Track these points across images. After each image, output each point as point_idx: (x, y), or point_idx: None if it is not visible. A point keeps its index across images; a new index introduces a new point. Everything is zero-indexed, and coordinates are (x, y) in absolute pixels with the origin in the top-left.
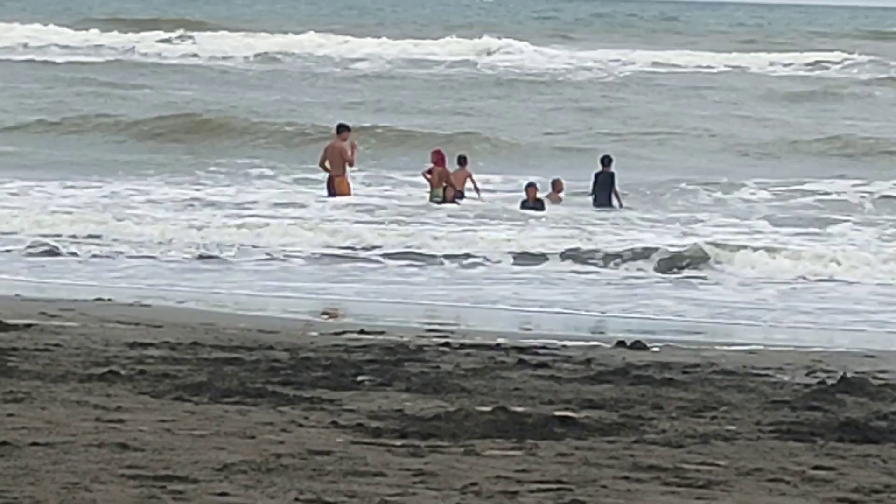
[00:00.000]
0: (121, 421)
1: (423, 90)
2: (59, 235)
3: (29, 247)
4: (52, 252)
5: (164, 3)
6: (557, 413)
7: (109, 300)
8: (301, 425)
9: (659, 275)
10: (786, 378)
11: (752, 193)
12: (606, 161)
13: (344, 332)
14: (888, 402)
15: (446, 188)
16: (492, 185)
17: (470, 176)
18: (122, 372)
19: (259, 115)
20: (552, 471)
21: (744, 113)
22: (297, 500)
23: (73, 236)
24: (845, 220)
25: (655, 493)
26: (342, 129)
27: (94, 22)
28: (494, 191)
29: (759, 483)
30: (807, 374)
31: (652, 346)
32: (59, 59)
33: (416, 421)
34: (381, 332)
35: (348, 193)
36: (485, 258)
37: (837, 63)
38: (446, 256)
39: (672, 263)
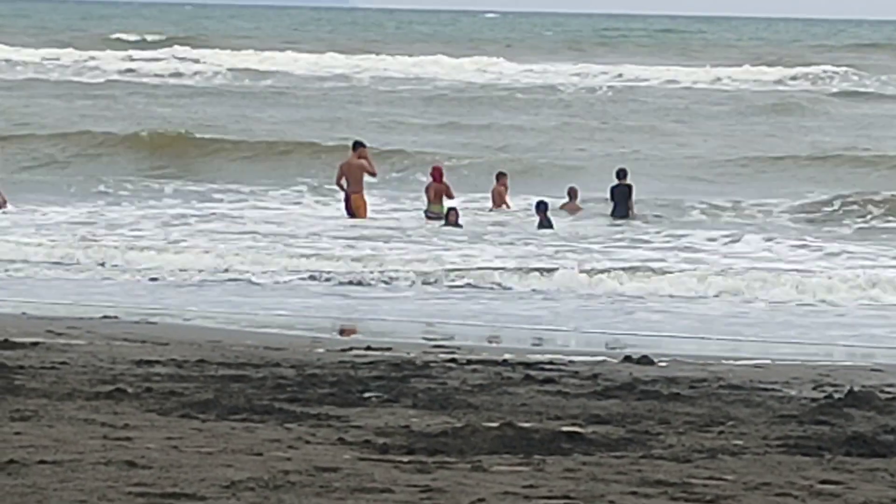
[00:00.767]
0: (128, 439)
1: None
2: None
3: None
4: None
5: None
6: (565, 428)
7: (116, 318)
8: (308, 442)
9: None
10: (793, 392)
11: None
12: (622, 174)
13: (350, 349)
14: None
15: (449, 212)
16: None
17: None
18: (129, 390)
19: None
20: (560, 486)
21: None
22: None
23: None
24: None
25: None
26: (358, 145)
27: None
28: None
29: (766, 498)
30: (814, 389)
31: (659, 361)
32: None
33: (423, 437)
34: (388, 349)
35: (365, 209)
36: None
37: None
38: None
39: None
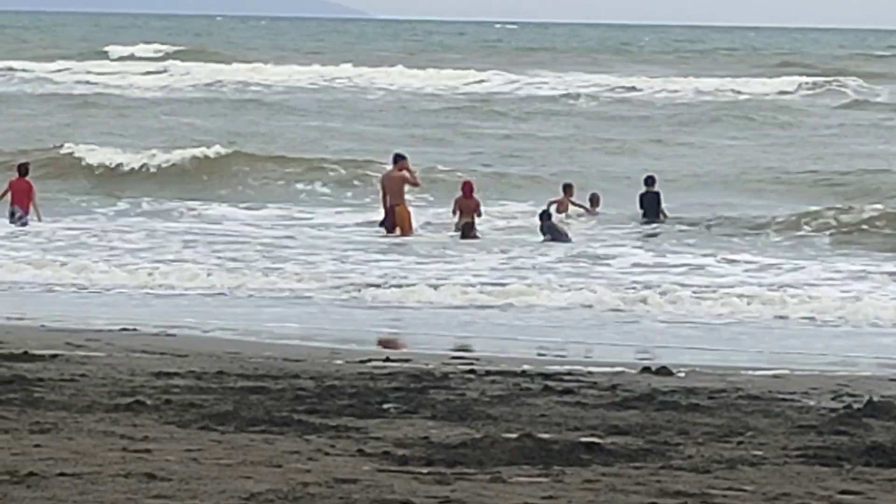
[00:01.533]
0: (147, 451)
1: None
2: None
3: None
4: None
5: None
6: (583, 439)
7: (135, 330)
8: (327, 454)
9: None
10: (812, 402)
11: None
12: (650, 181)
13: (369, 360)
14: None
15: (465, 224)
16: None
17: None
18: (149, 402)
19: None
20: (579, 497)
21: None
22: None
23: None
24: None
25: None
26: (399, 158)
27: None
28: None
29: None
30: (833, 399)
31: (677, 372)
32: None
33: (442, 448)
34: (407, 360)
35: (410, 222)
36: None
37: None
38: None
39: None
